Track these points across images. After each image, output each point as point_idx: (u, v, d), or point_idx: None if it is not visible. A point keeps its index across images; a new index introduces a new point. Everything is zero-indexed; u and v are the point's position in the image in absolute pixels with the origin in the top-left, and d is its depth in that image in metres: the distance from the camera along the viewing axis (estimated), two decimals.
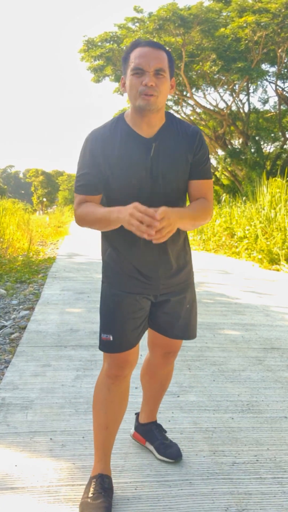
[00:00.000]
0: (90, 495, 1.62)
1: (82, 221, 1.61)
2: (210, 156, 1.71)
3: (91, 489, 1.64)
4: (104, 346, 1.68)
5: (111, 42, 16.21)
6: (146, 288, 1.68)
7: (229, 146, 18.48)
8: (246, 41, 13.91)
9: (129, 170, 1.56)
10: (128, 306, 1.66)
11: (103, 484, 1.64)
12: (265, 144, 19.26)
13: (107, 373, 1.69)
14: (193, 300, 1.83)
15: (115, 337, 1.65)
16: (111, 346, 1.66)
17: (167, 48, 1.77)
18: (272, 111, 18.49)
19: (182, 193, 1.68)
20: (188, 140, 1.61)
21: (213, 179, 1.71)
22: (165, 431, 2.04)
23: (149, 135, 1.59)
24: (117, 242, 1.65)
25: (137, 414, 2.10)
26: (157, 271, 1.66)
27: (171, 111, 18.67)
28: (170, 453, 1.93)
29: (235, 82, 15.91)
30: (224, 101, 18.33)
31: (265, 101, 19.06)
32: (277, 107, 17.30)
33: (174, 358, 1.91)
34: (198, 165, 1.64)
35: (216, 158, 18.40)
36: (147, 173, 1.57)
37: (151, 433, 2.00)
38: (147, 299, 1.71)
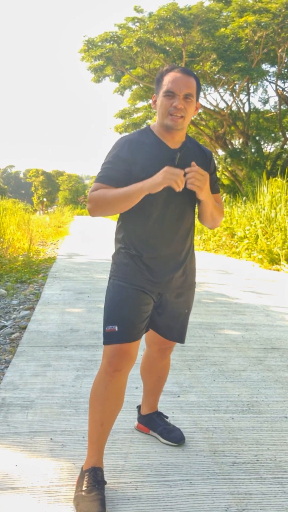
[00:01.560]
0: (84, 488, 1.65)
1: (96, 202, 1.72)
2: None
3: (85, 483, 1.66)
4: (109, 337, 1.73)
5: (111, 42, 16.19)
6: (153, 285, 1.80)
7: (230, 146, 18.47)
8: (247, 41, 13.91)
9: (152, 173, 1.68)
10: (135, 299, 1.76)
11: (96, 477, 1.67)
12: (266, 144, 19.26)
13: (106, 368, 1.72)
14: (191, 307, 1.98)
15: (120, 326, 1.72)
16: (115, 336, 1.72)
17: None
18: (273, 111, 18.49)
19: (194, 202, 1.84)
20: (205, 158, 1.85)
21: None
22: (167, 417, 2.16)
23: (173, 147, 1.78)
24: (131, 239, 1.79)
25: (139, 407, 2.21)
26: (166, 268, 1.80)
27: None
28: (173, 437, 2.05)
29: (235, 82, 15.91)
30: (224, 101, 18.34)
31: (265, 101, 19.06)
32: (278, 107, 17.30)
33: (171, 352, 2.08)
34: (211, 183, 1.85)
35: (217, 158, 18.40)
36: None
37: (153, 421, 2.12)
38: (151, 297, 1.81)
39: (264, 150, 18.25)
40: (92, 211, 1.76)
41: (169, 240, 1.79)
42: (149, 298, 1.80)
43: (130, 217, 1.79)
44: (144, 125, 12.62)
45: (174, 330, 1.94)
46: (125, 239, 1.81)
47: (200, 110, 18.25)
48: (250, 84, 16.90)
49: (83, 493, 1.63)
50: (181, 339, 1.98)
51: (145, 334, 2.01)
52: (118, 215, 1.87)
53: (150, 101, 1.98)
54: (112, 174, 1.72)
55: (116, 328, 1.72)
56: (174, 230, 1.79)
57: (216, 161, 18.81)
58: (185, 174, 1.62)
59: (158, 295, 1.84)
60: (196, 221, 2.00)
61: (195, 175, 1.63)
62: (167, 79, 1.71)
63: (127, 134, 1.86)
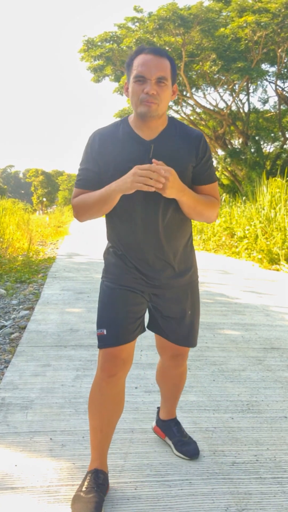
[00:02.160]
0: (84, 489, 1.64)
1: (79, 210, 1.66)
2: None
3: (85, 483, 1.66)
4: (99, 341, 1.68)
5: (111, 42, 16.20)
6: (144, 286, 1.70)
7: (229, 146, 18.48)
8: (246, 41, 13.91)
9: (125, 169, 1.57)
10: (123, 299, 1.68)
11: (97, 480, 1.66)
12: (265, 144, 19.26)
13: (100, 373, 1.67)
14: (195, 308, 1.84)
15: (108, 330, 1.65)
16: (104, 340, 1.66)
17: (168, 49, 1.80)
18: (272, 111, 18.49)
19: None
20: (191, 143, 1.64)
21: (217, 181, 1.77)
22: (183, 429, 2.09)
23: (149, 137, 1.62)
24: (116, 239, 1.71)
25: (159, 408, 2.15)
26: (154, 268, 1.69)
27: (171, 111, 18.65)
28: (187, 450, 1.97)
29: (235, 82, 15.91)
30: (224, 101, 18.34)
31: (265, 101, 19.06)
32: (277, 107, 17.31)
33: (184, 359, 1.92)
34: (203, 170, 1.68)
35: (216, 158, 18.40)
36: None
37: (170, 430, 2.06)
38: (142, 297, 1.72)
39: (263, 150, 18.25)
40: (79, 218, 1.69)
41: (154, 240, 1.65)
42: (139, 297, 1.70)
43: (112, 216, 1.69)
44: None
45: (179, 333, 1.81)
46: (112, 238, 1.73)
47: (199, 110, 18.28)
48: (249, 84, 16.90)
49: (82, 493, 1.63)
50: (190, 343, 1.84)
51: (155, 342, 1.93)
52: None
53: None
54: (89, 176, 1.64)
55: (105, 332, 1.65)
56: (158, 229, 1.64)
57: (215, 161, 18.88)
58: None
59: (153, 296, 1.74)
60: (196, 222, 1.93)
61: (155, 177, 1.46)
62: (137, 62, 1.55)
63: (101, 127, 1.71)
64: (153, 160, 1.49)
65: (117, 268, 1.71)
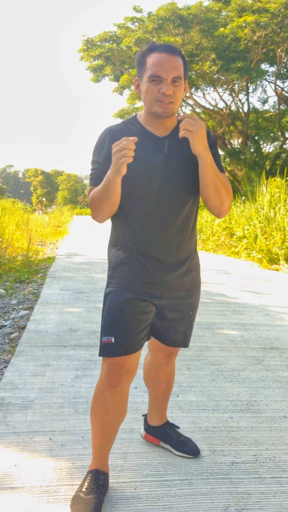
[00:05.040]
0: (84, 489, 1.64)
1: (92, 205, 1.64)
2: None
3: (85, 484, 1.66)
4: (105, 349, 1.63)
5: (111, 42, 16.21)
6: (152, 288, 1.66)
7: (229, 146, 18.48)
8: (246, 41, 13.92)
9: (139, 166, 1.57)
10: (133, 308, 1.64)
11: (97, 481, 1.65)
12: (265, 144, 19.27)
13: (104, 382, 1.64)
14: (196, 308, 1.85)
15: (117, 338, 1.61)
16: (112, 348, 1.61)
17: None
18: (272, 111, 18.51)
19: (195, 194, 1.68)
20: None
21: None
22: (178, 427, 2.08)
23: (162, 134, 1.64)
24: (125, 239, 1.67)
25: (145, 416, 2.11)
26: (161, 269, 1.66)
27: None
28: (188, 449, 1.97)
29: (234, 82, 15.92)
30: (223, 100, 18.36)
31: (264, 101, 19.08)
32: (277, 107, 17.32)
33: (176, 356, 1.97)
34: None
35: None
36: (160, 169, 1.60)
37: (165, 434, 2.02)
38: (151, 303, 1.69)
39: (263, 150, 18.26)
40: (94, 216, 1.66)
41: (161, 239, 1.64)
42: (149, 306, 1.68)
43: (119, 215, 1.67)
44: None
45: (177, 334, 1.80)
46: (118, 241, 1.70)
47: (199, 110, 18.28)
48: (249, 84, 16.91)
49: (82, 494, 1.62)
50: (185, 343, 1.85)
51: (149, 341, 1.90)
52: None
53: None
54: (101, 173, 1.63)
55: (113, 340, 1.61)
56: (166, 228, 1.63)
57: None
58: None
59: (159, 299, 1.69)
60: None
61: (187, 120, 1.47)
62: (151, 61, 1.54)
63: (112, 125, 1.72)
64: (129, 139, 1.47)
65: (125, 272, 1.66)
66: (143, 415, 2.15)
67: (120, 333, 1.61)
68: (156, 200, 1.61)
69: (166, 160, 1.61)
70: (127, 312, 1.63)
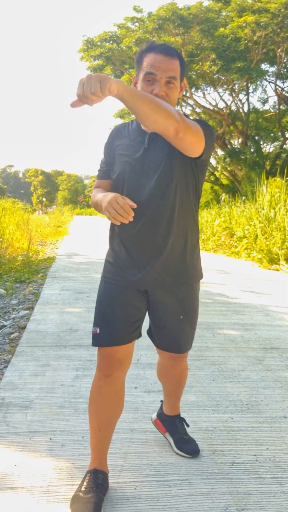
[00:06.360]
0: (83, 489, 1.64)
1: (93, 204, 1.77)
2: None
3: (84, 483, 1.66)
4: (93, 339, 1.69)
5: (111, 42, 16.22)
6: (138, 281, 1.66)
7: (229, 146, 18.49)
8: (246, 41, 13.92)
9: (125, 163, 1.66)
10: (119, 300, 1.67)
11: (96, 480, 1.66)
12: (265, 144, 19.28)
13: (97, 373, 1.68)
14: (190, 313, 1.78)
15: (102, 329, 1.65)
16: (98, 338, 1.66)
17: None
18: (272, 111, 18.51)
19: (179, 187, 1.62)
20: None
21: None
22: (188, 425, 2.09)
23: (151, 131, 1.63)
24: (115, 233, 1.72)
25: (162, 402, 2.13)
26: (147, 261, 1.65)
27: None
28: (187, 449, 1.98)
29: (234, 82, 15.93)
30: (223, 100, 18.37)
31: (264, 101, 19.09)
32: (277, 107, 17.32)
33: (183, 359, 1.90)
34: None
35: (216, 158, 18.40)
36: (140, 162, 1.64)
37: (173, 425, 2.05)
38: (142, 297, 1.70)
39: (263, 150, 18.27)
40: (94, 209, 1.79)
41: (147, 233, 1.64)
42: (138, 299, 1.68)
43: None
44: None
45: (168, 339, 1.79)
46: (112, 235, 1.75)
47: (199, 110, 18.28)
48: (249, 84, 16.92)
49: (81, 493, 1.63)
50: (177, 350, 1.81)
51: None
52: None
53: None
54: (104, 168, 1.76)
55: (98, 330, 1.65)
56: (151, 221, 1.62)
57: (215, 161, 18.87)
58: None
59: (147, 293, 1.70)
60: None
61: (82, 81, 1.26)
62: (147, 60, 1.55)
63: (120, 123, 1.88)
64: (130, 203, 1.51)
65: (112, 266, 1.72)
66: (161, 400, 2.16)
67: (105, 325, 1.66)
68: (140, 193, 1.62)
69: (145, 153, 1.63)
70: (112, 304, 1.67)
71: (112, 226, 1.73)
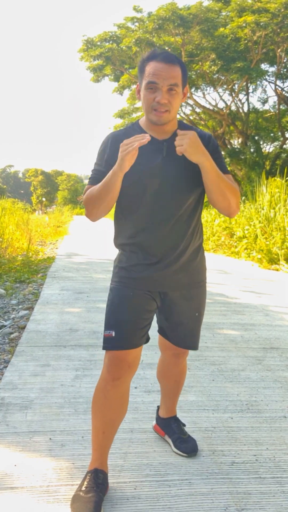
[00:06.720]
0: (83, 488, 1.65)
1: (87, 203, 1.69)
2: None
3: (85, 483, 1.66)
4: (105, 343, 1.68)
5: (111, 42, 16.21)
6: (151, 284, 1.71)
7: (229, 146, 18.49)
8: (246, 41, 13.92)
9: (139, 169, 1.62)
10: (133, 304, 1.69)
11: (96, 479, 1.66)
12: (265, 144, 19.28)
13: (105, 376, 1.68)
14: (202, 310, 1.87)
15: (117, 332, 1.66)
16: (112, 342, 1.66)
17: (167, 49, 1.81)
18: (272, 111, 18.51)
19: (195, 195, 1.70)
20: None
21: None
22: (184, 425, 2.11)
23: (162, 138, 1.68)
24: (125, 238, 1.72)
25: (158, 407, 2.17)
26: (161, 266, 1.70)
27: None
28: (185, 447, 1.99)
29: (234, 81, 15.92)
30: (223, 100, 18.36)
31: (264, 101, 19.08)
32: (277, 107, 17.31)
33: (185, 357, 1.98)
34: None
35: None
36: (159, 171, 1.64)
37: (169, 427, 2.07)
38: (153, 300, 1.73)
39: (263, 150, 18.26)
40: (88, 213, 1.71)
41: (160, 238, 1.68)
42: (149, 303, 1.72)
43: (120, 216, 1.74)
44: None
45: (185, 336, 1.85)
46: (120, 240, 1.76)
47: (199, 110, 18.28)
48: (249, 84, 16.91)
49: (81, 493, 1.63)
50: (194, 346, 1.89)
51: (158, 340, 1.97)
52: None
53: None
54: (100, 176, 1.68)
55: (113, 334, 1.66)
56: (165, 228, 1.67)
57: None
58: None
59: (161, 295, 1.75)
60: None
61: (178, 137, 1.55)
62: (149, 69, 1.59)
63: (115, 130, 1.81)
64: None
65: (126, 271, 1.71)
66: (157, 406, 2.21)
67: (121, 328, 1.67)
68: (155, 201, 1.66)
69: (164, 162, 1.65)
70: (127, 308, 1.69)
71: (126, 231, 1.72)
